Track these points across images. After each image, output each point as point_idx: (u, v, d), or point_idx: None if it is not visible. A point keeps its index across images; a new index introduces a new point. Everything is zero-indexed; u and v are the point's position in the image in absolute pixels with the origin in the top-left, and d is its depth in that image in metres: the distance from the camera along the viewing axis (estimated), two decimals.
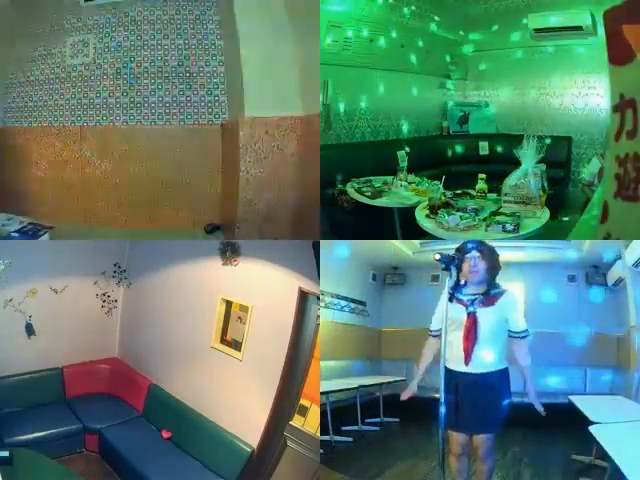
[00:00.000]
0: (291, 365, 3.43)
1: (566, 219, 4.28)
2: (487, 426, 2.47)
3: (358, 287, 6.32)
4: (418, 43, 5.96)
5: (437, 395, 2.34)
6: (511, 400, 2.48)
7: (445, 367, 2.37)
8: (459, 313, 2.47)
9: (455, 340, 2.45)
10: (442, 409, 2.30)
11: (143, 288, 4.57)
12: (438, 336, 2.54)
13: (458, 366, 2.46)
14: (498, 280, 2.54)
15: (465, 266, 2.46)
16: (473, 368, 2.44)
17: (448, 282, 2.42)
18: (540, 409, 2.49)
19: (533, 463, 3.92)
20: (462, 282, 2.50)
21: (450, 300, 2.46)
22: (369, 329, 6.62)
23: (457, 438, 2.50)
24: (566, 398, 3.75)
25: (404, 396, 2.69)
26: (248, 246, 3.78)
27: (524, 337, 2.52)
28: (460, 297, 2.49)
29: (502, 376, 2.49)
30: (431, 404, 2.50)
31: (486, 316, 2.45)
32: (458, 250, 2.51)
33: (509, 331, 2.51)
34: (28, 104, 5.00)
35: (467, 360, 2.44)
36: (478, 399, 2.43)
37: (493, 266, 2.50)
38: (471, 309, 2.45)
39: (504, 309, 2.48)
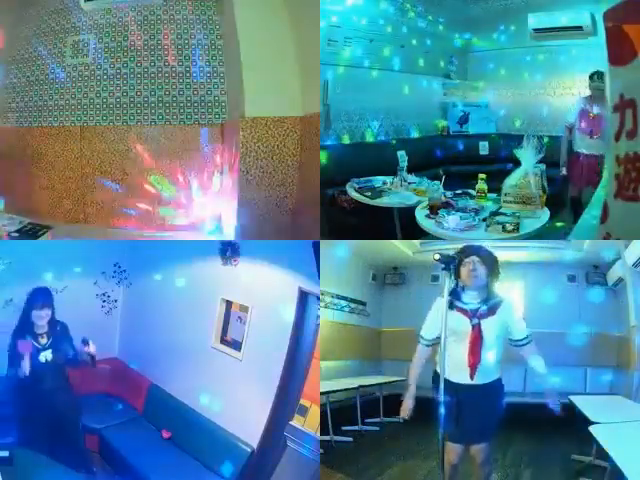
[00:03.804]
0: (291, 365, 3.43)
1: (561, 224, 4.32)
2: (486, 435, 2.46)
3: (358, 287, 6.32)
4: (418, 43, 5.96)
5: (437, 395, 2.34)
6: (504, 408, 2.47)
7: (445, 379, 2.32)
8: (461, 324, 2.41)
9: (456, 352, 2.38)
10: (442, 411, 2.27)
11: (143, 288, 4.57)
12: (432, 345, 2.50)
13: (460, 378, 2.41)
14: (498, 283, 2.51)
15: (464, 271, 2.41)
16: (476, 380, 2.41)
17: (447, 285, 2.34)
18: (556, 408, 2.46)
19: (533, 463, 3.92)
20: (460, 288, 2.45)
21: (450, 307, 2.38)
22: (369, 329, 6.62)
23: (455, 449, 2.45)
24: (566, 398, 3.75)
25: (403, 414, 2.54)
26: (248, 246, 3.78)
27: (529, 342, 2.49)
28: (461, 306, 2.43)
29: (499, 385, 2.49)
30: (431, 404, 2.50)
31: (489, 327, 2.41)
32: (458, 253, 2.46)
33: (512, 340, 2.49)
34: (28, 104, 5.00)
35: (473, 374, 2.40)
36: (480, 410, 2.41)
37: (493, 272, 2.45)
38: (475, 321, 2.39)
39: (504, 318, 2.44)
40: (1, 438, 3.12)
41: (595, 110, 4.49)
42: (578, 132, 4.63)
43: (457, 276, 2.43)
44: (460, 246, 2.55)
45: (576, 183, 4.63)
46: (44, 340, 3.18)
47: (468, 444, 2.46)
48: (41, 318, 3.17)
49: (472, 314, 2.41)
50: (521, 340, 2.49)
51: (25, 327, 3.17)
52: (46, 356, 3.15)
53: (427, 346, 2.55)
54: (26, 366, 3.02)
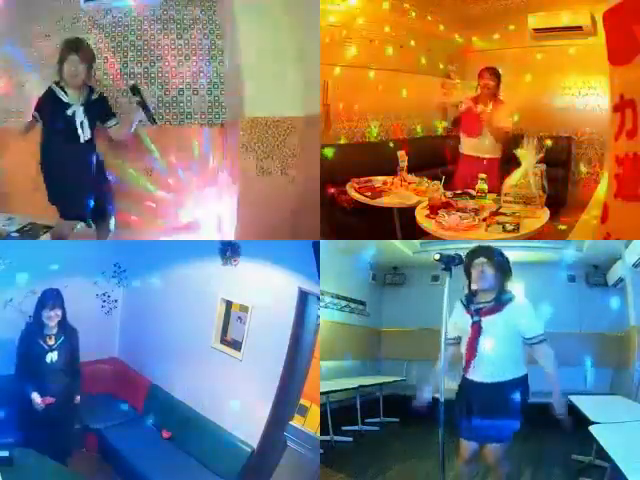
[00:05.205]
0: (291, 365, 3.43)
1: (563, 227, 4.31)
2: (497, 436, 2.44)
3: (358, 287, 6.32)
4: (418, 43, 5.96)
5: (437, 395, 2.35)
6: (526, 408, 2.45)
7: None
8: (465, 322, 2.47)
9: (462, 350, 2.47)
10: (442, 411, 2.29)
11: (143, 288, 4.57)
12: (453, 344, 2.52)
13: (469, 375, 2.47)
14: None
15: (474, 273, 2.45)
16: (483, 377, 2.43)
17: (448, 285, 2.35)
18: (562, 414, 2.45)
19: (533, 463, 3.92)
20: (473, 289, 2.48)
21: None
22: (369, 329, 6.63)
23: (467, 446, 2.48)
24: (566, 398, 3.75)
25: (418, 402, 2.59)
26: (248, 246, 3.78)
27: (539, 342, 2.46)
28: (469, 306, 2.49)
29: (518, 384, 2.45)
30: (431, 404, 2.51)
31: (492, 324, 2.41)
32: (467, 256, 2.49)
33: (524, 338, 2.47)
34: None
35: (466, 370, 2.45)
36: (490, 409, 2.40)
37: (503, 272, 2.47)
38: (476, 318, 2.43)
39: (512, 315, 2.43)
40: (1, 438, 3.16)
41: (479, 109, 4.40)
42: (462, 133, 4.59)
43: (468, 278, 2.48)
44: (472, 247, 2.57)
45: (459, 188, 4.14)
46: (52, 341, 3.29)
47: (481, 443, 2.46)
48: (51, 319, 3.28)
49: (474, 312, 2.44)
50: (531, 339, 2.46)
51: (35, 327, 3.30)
52: (52, 357, 3.26)
53: (447, 344, 2.48)
54: (39, 407, 3.18)
